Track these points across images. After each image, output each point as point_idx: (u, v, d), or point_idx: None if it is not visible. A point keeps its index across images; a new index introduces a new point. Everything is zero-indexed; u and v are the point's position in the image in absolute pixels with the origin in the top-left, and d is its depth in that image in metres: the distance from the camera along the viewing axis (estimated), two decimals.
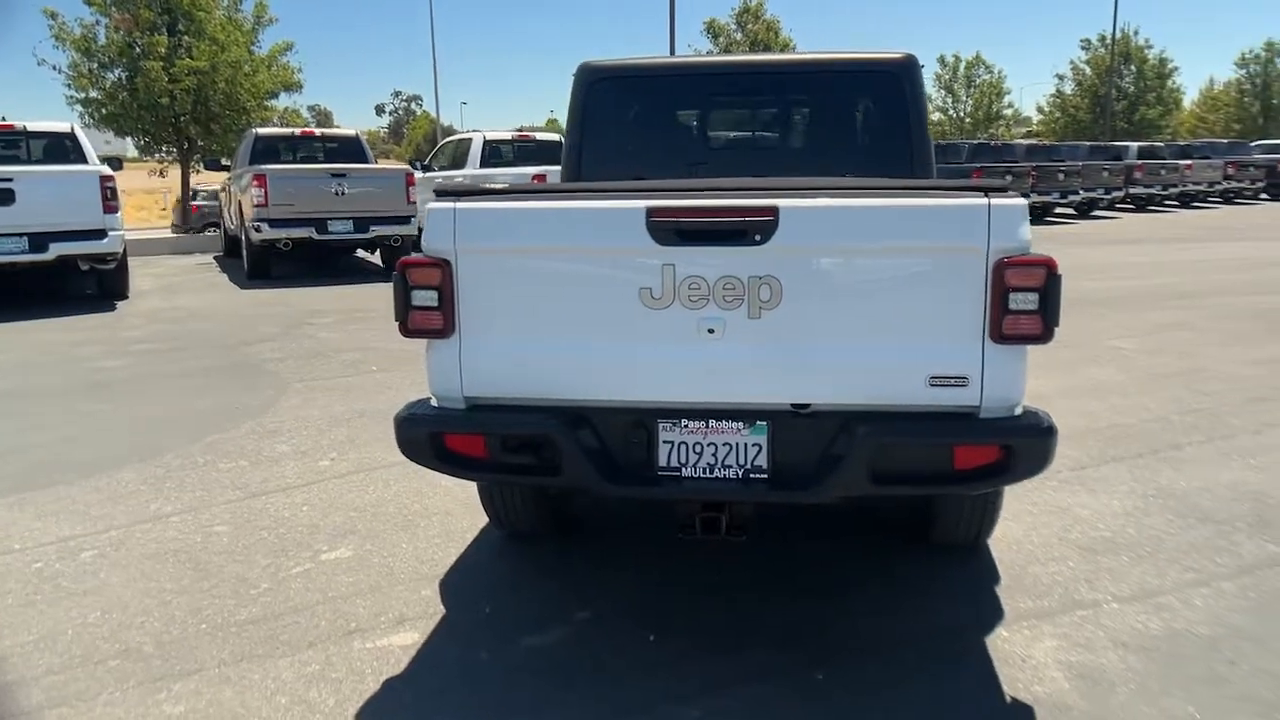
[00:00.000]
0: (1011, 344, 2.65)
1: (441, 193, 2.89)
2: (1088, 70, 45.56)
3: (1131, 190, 25.92)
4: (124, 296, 11.57)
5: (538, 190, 2.90)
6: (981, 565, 3.71)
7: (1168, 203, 27.60)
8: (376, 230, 13.20)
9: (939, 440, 2.68)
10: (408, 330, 2.90)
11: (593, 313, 2.82)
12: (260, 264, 13.29)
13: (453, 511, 4.38)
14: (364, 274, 14.11)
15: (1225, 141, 34.77)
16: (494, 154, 16.38)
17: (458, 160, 16.57)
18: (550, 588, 3.61)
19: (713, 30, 31.75)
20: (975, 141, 28.95)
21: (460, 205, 2.82)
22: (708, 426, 2.80)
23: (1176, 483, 4.54)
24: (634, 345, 2.80)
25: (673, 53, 26.15)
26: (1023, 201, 2.65)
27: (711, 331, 2.73)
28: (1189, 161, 27.56)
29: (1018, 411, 2.73)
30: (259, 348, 8.47)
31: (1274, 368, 7.01)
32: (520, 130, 20.87)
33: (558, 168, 15.53)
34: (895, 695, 2.84)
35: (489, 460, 2.90)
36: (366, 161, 15.06)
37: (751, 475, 2.80)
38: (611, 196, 2.82)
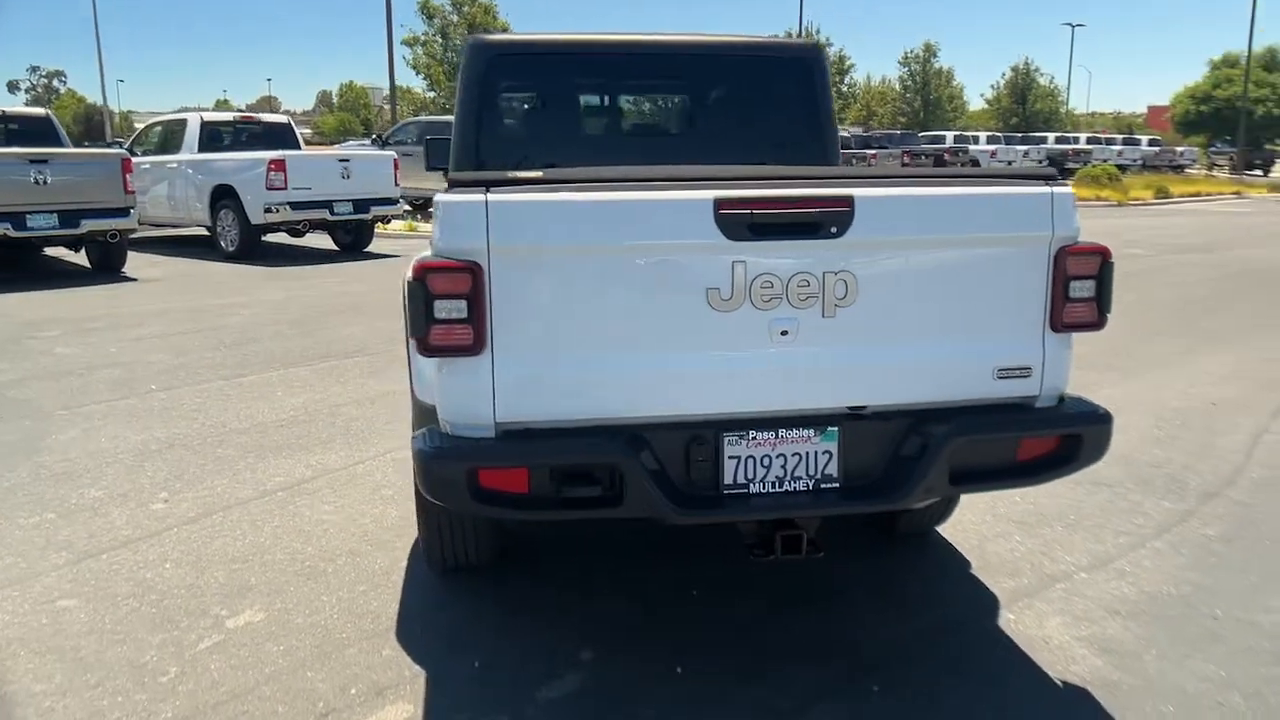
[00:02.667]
0: (1068, 332, 2.65)
1: (459, 183, 2.41)
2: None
3: None
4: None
5: (576, 179, 2.48)
6: (941, 550, 3.75)
7: None
8: (89, 224, 11.52)
9: (1018, 433, 2.63)
10: (429, 348, 2.39)
11: (651, 318, 2.47)
12: None
13: (359, 550, 3.79)
14: (70, 276, 12.16)
15: (899, 133, 38.96)
16: (214, 137, 14.88)
17: (168, 145, 14.91)
18: (532, 627, 3.20)
19: (427, 11, 30.61)
20: None
21: (493, 197, 2.36)
22: (777, 437, 2.55)
23: None
24: (699, 352, 2.49)
25: (390, 35, 24.99)
26: (1072, 190, 2.64)
27: (785, 333, 2.48)
28: (874, 151, 30.54)
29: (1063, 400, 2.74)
30: None
31: None
32: (244, 112, 19.06)
33: (297, 152, 14.57)
34: (958, 698, 2.77)
35: (534, 496, 2.45)
36: (61, 144, 13.16)
37: (823, 486, 2.59)
38: (670, 186, 2.47)
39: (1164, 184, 28.11)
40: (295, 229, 13.64)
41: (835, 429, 2.58)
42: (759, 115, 4.29)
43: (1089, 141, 41.39)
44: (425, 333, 2.37)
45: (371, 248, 14.61)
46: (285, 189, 12.92)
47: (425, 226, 18.70)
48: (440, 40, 30.91)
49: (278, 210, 12.93)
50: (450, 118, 17.77)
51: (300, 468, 4.77)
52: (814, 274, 2.47)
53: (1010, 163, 33.13)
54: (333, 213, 13.37)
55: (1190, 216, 22.06)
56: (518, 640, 3.11)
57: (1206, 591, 3.37)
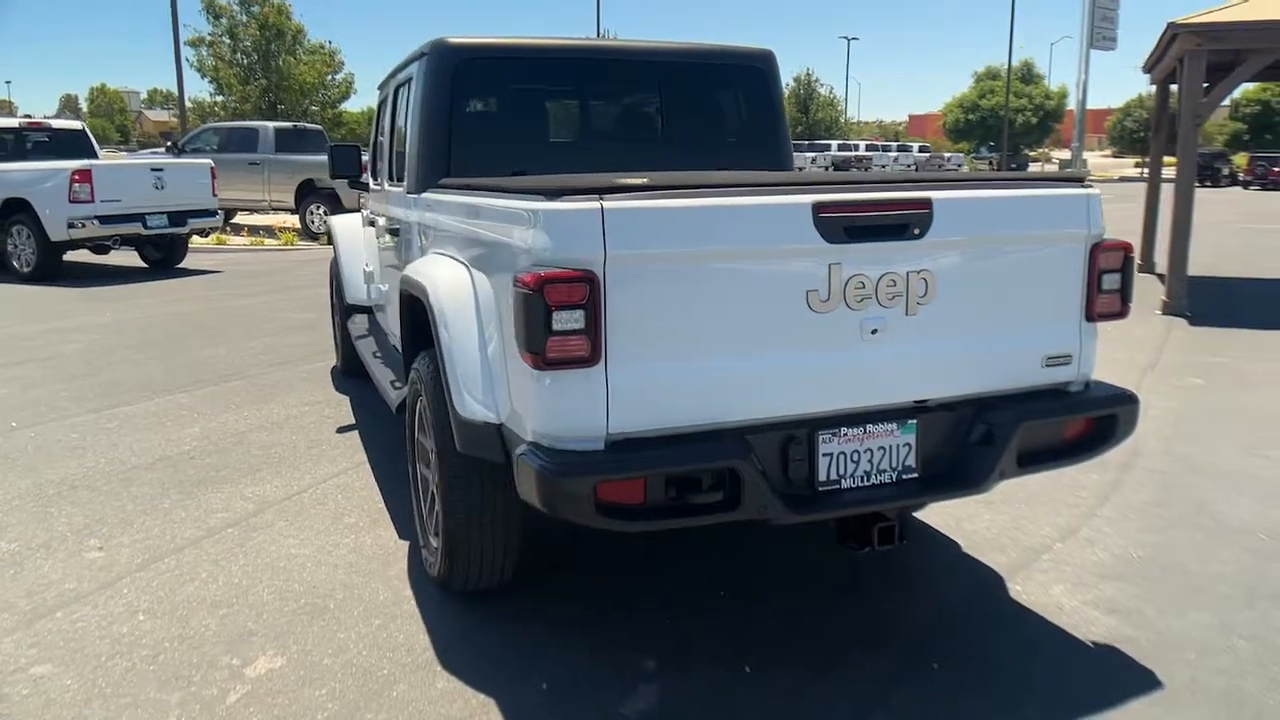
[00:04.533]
0: (1099, 321, 2.90)
1: (565, 191, 2.35)
2: None
3: None
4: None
5: (677, 185, 2.46)
6: (925, 534, 3.97)
7: None
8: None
9: (1072, 415, 2.85)
10: (547, 362, 2.31)
11: (753, 321, 2.50)
12: None
13: (351, 583, 3.58)
14: None
15: None
16: None
17: None
18: (583, 644, 3.12)
19: (213, 10, 28.65)
20: None
21: (609, 205, 2.31)
22: (864, 432, 2.65)
23: None
24: (797, 353, 2.54)
25: (176, 35, 23.28)
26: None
27: (874, 332, 2.58)
28: None
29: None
30: None
31: None
32: (29, 117, 17.19)
33: (104, 161, 13.50)
34: (1012, 664, 2.96)
35: (649, 505, 2.41)
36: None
37: (904, 477, 2.71)
38: (768, 191, 2.51)
39: None
40: (103, 245, 12.56)
41: (914, 421, 2.70)
42: (721, 118, 4.40)
43: (868, 148, 44.42)
44: (543, 346, 2.29)
45: (185, 263, 13.60)
46: (92, 201, 11.87)
47: (238, 239, 17.60)
48: (228, 41, 29.02)
49: (84, 225, 11.85)
50: (263, 123, 17.27)
51: (238, 501, 4.42)
52: (899, 274, 2.58)
53: (800, 168, 34.94)
54: (146, 226, 12.38)
55: None
56: (575, 658, 3.03)
57: (1167, 550, 3.76)
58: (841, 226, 2.49)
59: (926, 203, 2.59)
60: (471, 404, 2.84)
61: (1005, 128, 43.42)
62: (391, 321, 4.77)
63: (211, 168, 13.63)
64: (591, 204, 2.31)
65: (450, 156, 3.87)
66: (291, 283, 12.05)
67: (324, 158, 18.67)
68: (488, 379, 2.82)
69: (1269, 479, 4.53)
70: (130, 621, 3.29)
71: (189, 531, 4.07)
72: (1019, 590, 3.45)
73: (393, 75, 4.98)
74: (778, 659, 3.00)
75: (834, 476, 2.64)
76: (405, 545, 3.89)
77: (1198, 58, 8.58)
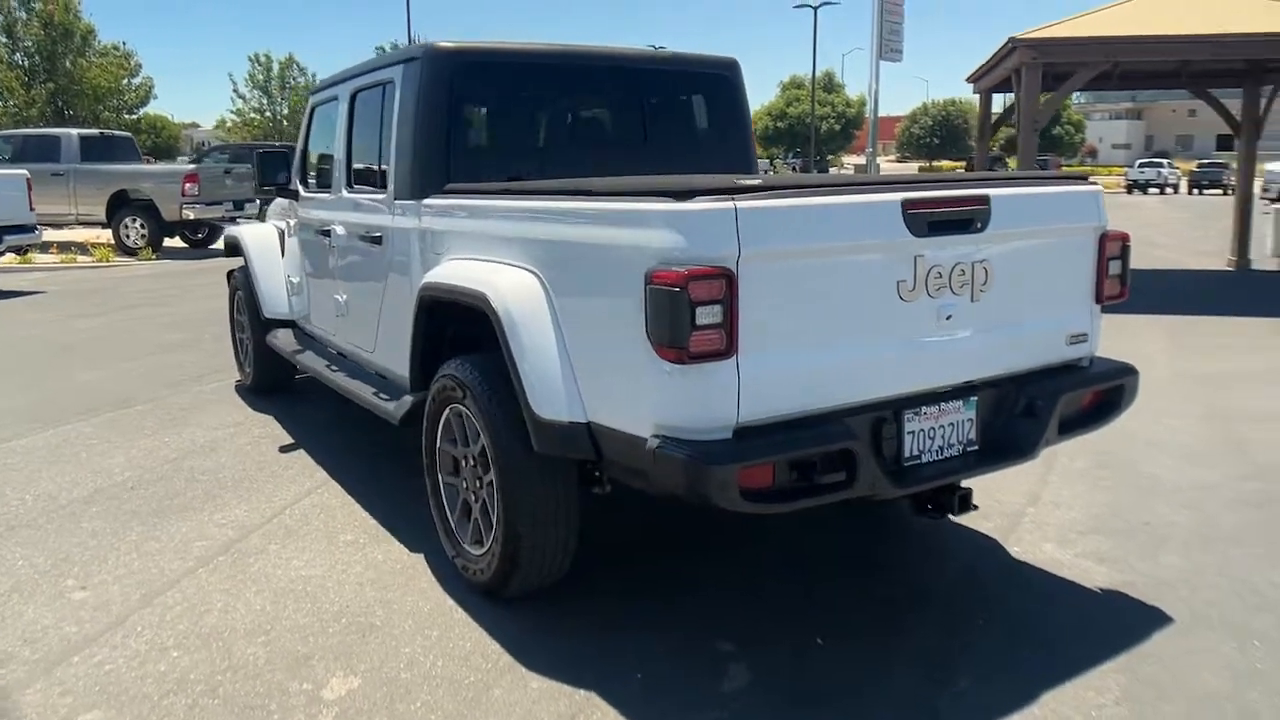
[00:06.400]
0: (1104, 303, 3.27)
1: (695, 192, 2.45)
2: None
3: None
4: None
5: (784, 185, 2.60)
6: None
7: None
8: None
9: (1095, 386, 3.20)
10: (691, 355, 2.40)
11: (855, 310, 2.70)
12: None
13: (388, 600, 3.50)
14: None
15: None
16: None
17: None
18: (654, 635, 3.19)
19: None
20: (286, 145, 28.37)
21: (742, 204, 2.43)
22: (939, 410, 2.89)
23: None
24: (889, 338, 2.76)
25: None
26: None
27: (949, 318, 2.83)
28: None
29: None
30: None
31: None
32: None
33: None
34: (1049, 615, 3.29)
35: (777, 488, 2.55)
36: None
37: (968, 450, 2.97)
38: (862, 190, 2.70)
39: None
40: None
41: (975, 398, 2.97)
42: (697, 122, 4.57)
43: None
44: (686, 340, 2.39)
45: None
46: None
47: (45, 258, 16.11)
48: (4, 40, 26.44)
49: None
50: (65, 130, 16.07)
51: (211, 529, 4.18)
52: (966, 264, 2.85)
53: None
54: None
55: None
56: (653, 649, 3.10)
57: (1123, 507, 4.23)
58: (925, 221, 2.73)
59: (985, 199, 2.86)
60: (552, 404, 2.87)
61: (813, 135, 45.93)
62: (358, 332, 4.64)
63: (27, 178, 12.54)
64: (726, 204, 2.43)
65: (449, 162, 3.84)
66: (133, 301, 11.25)
67: (139, 166, 17.51)
68: (569, 379, 2.87)
69: (1181, 443, 5.14)
70: (164, 659, 3.09)
71: (175, 564, 3.83)
72: (1018, 550, 3.81)
73: (343, 80, 4.84)
74: (843, 630, 3.20)
75: (916, 452, 2.87)
76: (420, 558, 3.83)
77: (1034, 69, 9.52)
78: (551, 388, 2.87)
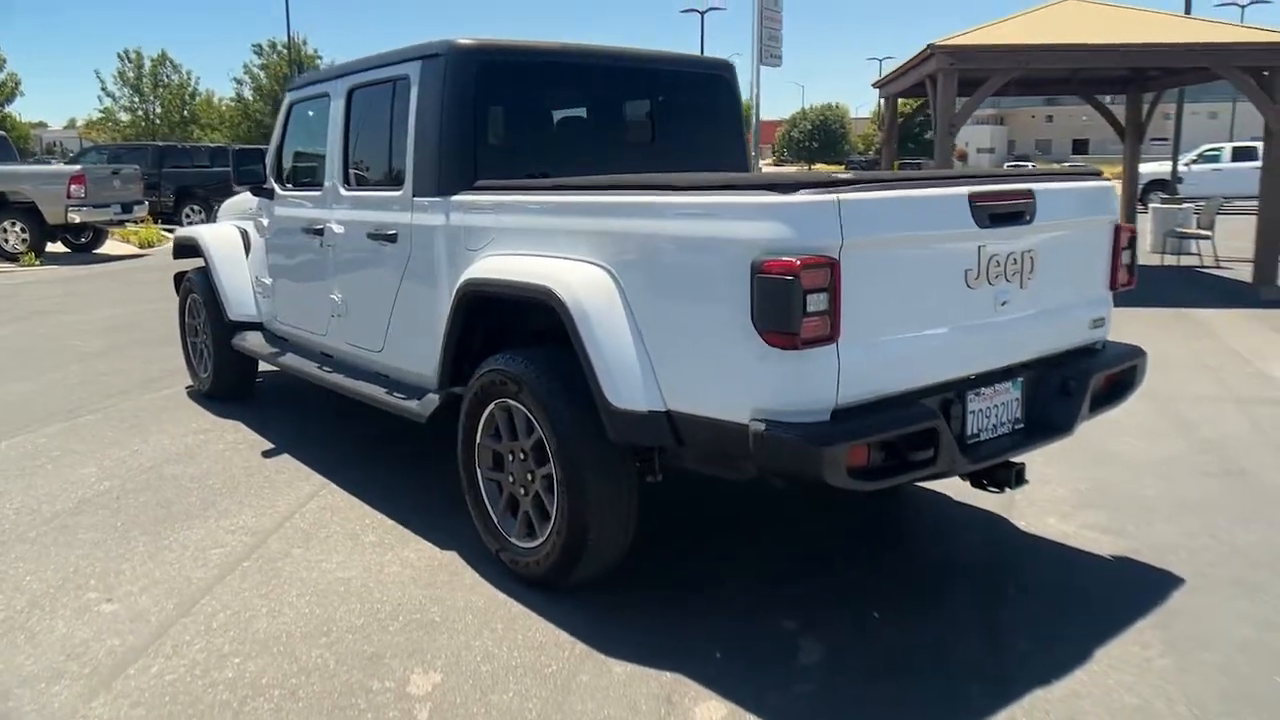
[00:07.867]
0: (1116, 289, 3.54)
1: (800, 185, 2.56)
2: (263, 76, 46.43)
3: None
4: None
5: (870, 179, 2.73)
6: (913, 492, 4.50)
7: None
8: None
9: (1118, 366, 3.45)
10: (803, 341, 2.51)
11: (930, 295, 2.86)
12: None
13: (439, 597, 3.49)
14: None
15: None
16: None
17: None
18: (714, 617, 3.29)
19: None
20: (164, 144, 26.78)
21: (844, 197, 2.56)
22: (994, 390, 3.08)
23: None
24: (957, 323, 2.94)
25: None
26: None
27: (1005, 304, 3.03)
28: None
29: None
30: None
31: None
32: None
33: None
34: (1071, 582, 3.53)
35: (872, 466, 2.68)
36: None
37: (1015, 428, 3.18)
38: (935, 184, 2.86)
39: None
40: None
41: (1020, 379, 3.18)
42: (700, 121, 4.68)
43: None
44: (798, 327, 2.50)
45: None
46: None
47: None
48: None
49: None
50: None
51: (224, 535, 4.07)
52: (1018, 254, 3.05)
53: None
54: None
55: None
56: (721, 630, 3.20)
57: (1105, 483, 4.55)
58: (988, 214, 2.92)
59: (1031, 193, 3.07)
60: (629, 394, 2.94)
61: None
62: (360, 332, 4.57)
63: None
64: (830, 196, 2.55)
65: (477, 159, 3.85)
66: (36, 308, 10.64)
67: (18, 167, 16.48)
68: (646, 369, 2.94)
69: (1136, 424, 5.53)
70: (228, 666, 3.02)
71: (199, 572, 3.72)
72: (1025, 525, 4.06)
73: (333, 78, 4.76)
74: (894, 604, 3.36)
75: (976, 430, 3.05)
76: (454, 555, 3.82)
77: (950, 75, 10.01)
78: (628, 378, 2.94)
